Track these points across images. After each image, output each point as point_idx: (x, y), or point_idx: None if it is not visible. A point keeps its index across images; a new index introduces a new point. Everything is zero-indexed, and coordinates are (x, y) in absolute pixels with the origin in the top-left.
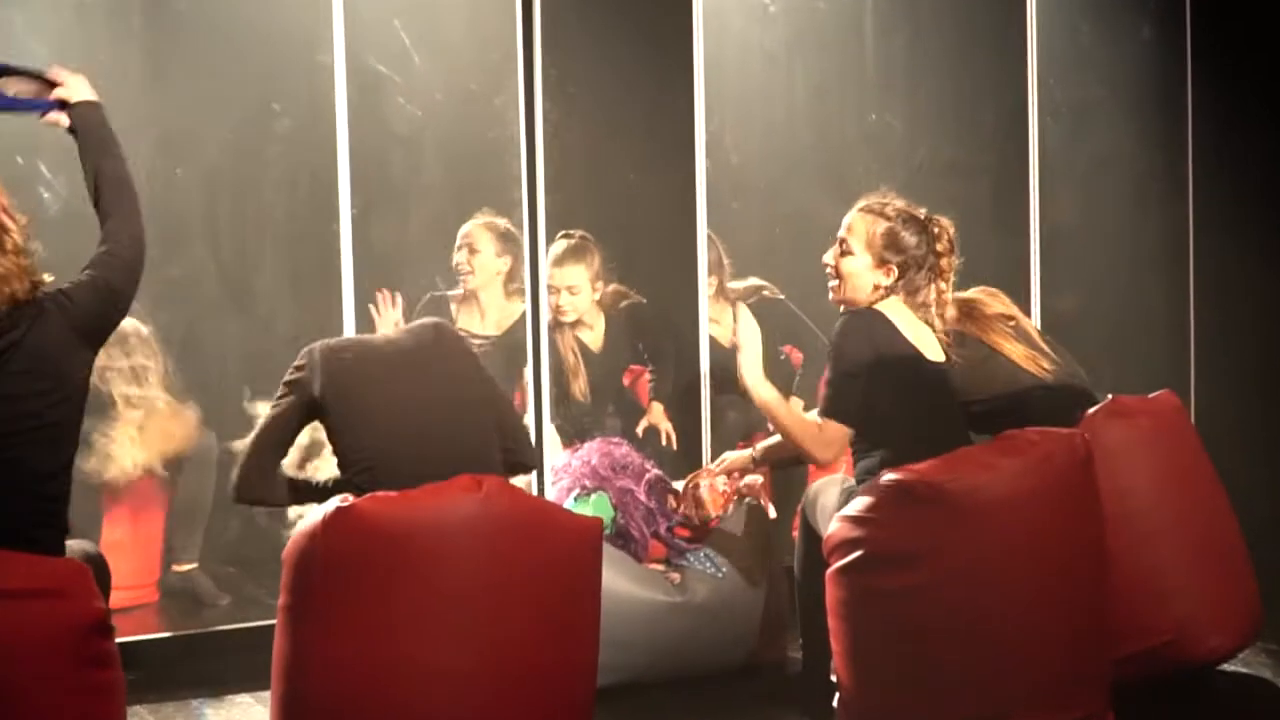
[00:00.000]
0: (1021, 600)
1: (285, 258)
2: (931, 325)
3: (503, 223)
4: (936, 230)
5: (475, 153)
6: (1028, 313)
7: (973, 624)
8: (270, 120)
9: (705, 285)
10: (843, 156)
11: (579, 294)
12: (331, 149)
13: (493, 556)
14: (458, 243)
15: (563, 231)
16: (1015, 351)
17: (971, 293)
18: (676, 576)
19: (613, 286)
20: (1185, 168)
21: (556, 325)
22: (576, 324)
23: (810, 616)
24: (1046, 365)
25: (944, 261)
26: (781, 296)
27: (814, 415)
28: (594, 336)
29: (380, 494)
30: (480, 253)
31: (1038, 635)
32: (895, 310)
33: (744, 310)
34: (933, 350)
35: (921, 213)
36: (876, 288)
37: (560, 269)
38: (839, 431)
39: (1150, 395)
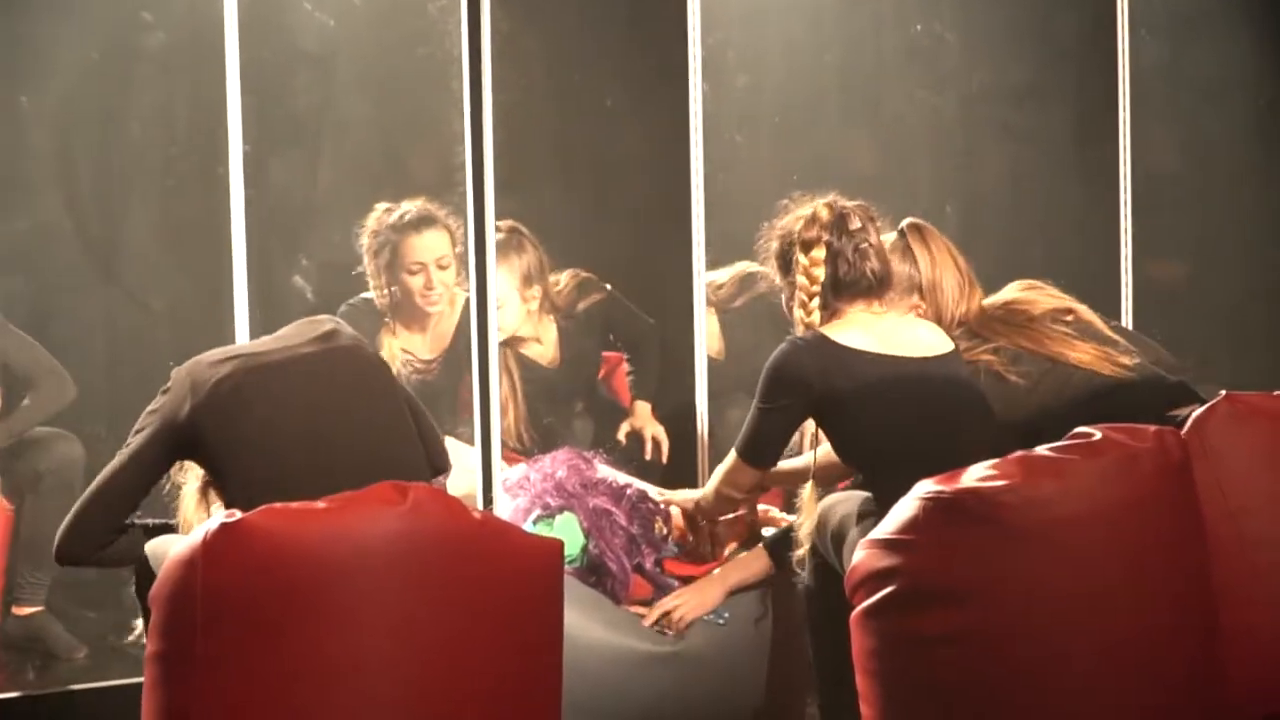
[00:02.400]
0: (1101, 647)
1: (159, 210)
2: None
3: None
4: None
5: (404, 75)
6: (1116, 284)
7: (1038, 678)
8: (139, 34)
9: (701, 249)
10: (880, 79)
11: (502, 307)
12: (219, 70)
13: (423, 582)
14: (414, 256)
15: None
16: (1083, 354)
17: (1008, 291)
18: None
19: (570, 273)
20: None
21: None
22: (510, 341)
23: (829, 670)
24: (1125, 361)
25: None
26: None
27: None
28: (544, 350)
29: (275, 506)
30: (448, 270)
31: (1123, 693)
32: (846, 324)
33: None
34: (914, 342)
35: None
36: (802, 313)
37: None
38: (741, 471)
39: (1277, 392)
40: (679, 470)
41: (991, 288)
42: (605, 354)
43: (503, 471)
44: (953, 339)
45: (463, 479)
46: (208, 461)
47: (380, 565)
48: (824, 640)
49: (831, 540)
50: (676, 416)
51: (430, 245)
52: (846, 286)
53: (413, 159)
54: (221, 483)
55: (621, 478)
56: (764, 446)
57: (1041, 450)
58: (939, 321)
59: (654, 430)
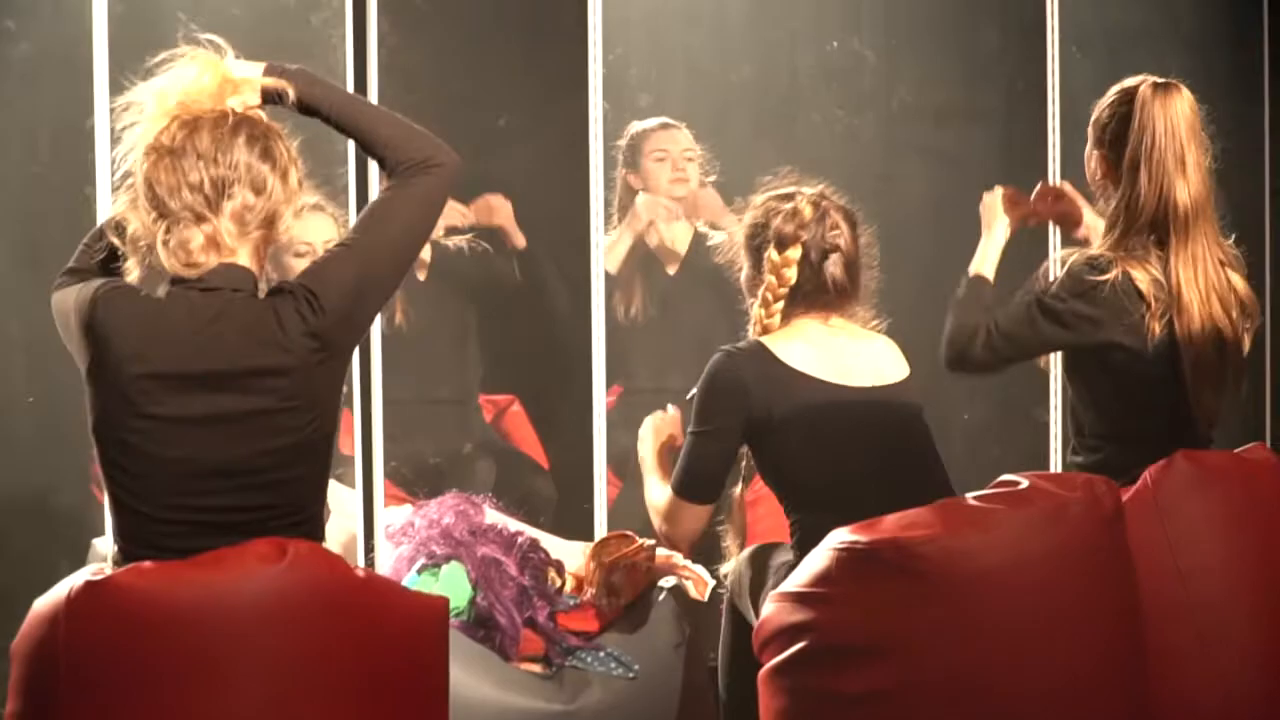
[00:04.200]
0: (1025, 704)
1: (21, 232)
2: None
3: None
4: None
5: None
6: None
7: None
8: (1, 44)
9: (601, 280)
10: (794, 99)
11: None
12: (87, 84)
13: (300, 647)
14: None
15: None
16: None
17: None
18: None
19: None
20: (1262, 131)
21: None
22: None
23: None
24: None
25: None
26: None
27: None
28: None
29: (145, 565)
30: None
31: None
32: (791, 336)
33: None
34: (867, 369)
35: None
36: (762, 312)
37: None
38: (683, 510)
39: (1238, 450)
40: (571, 510)
41: (913, 316)
42: (489, 397)
43: (386, 517)
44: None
45: (343, 525)
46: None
47: (254, 626)
48: (735, 699)
49: (749, 593)
50: (574, 462)
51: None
52: (804, 295)
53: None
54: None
55: (512, 524)
56: (703, 477)
57: (966, 498)
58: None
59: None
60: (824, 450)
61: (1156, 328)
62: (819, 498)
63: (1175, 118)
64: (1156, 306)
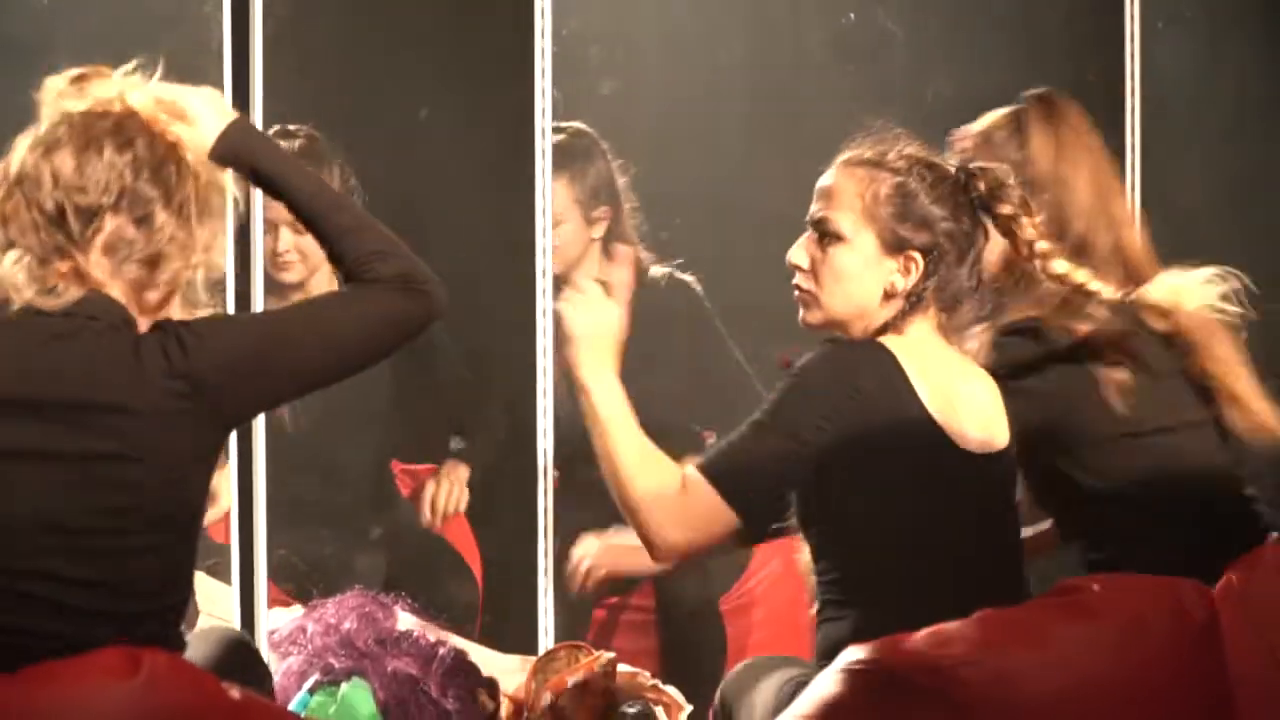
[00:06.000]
0: None
1: None
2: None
3: None
4: (981, 187)
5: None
6: None
7: None
8: None
9: (547, 287)
10: (800, 87)
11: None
12: None
13: None
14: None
15: (277, 126)
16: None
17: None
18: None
19: None
20: None
21: (271, 289)
22: (302, 287)
23: None
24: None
25: (1018, 235)
26: None
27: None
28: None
29: None
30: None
31: None
32: (918, 349)
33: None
34: (980, 426)
35: (951, 164)
36: (890, 294)
37: None
38: (709, 505)
39: None
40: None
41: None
42: (407, 466)
43: (271, 620)
44: (1094, 287)
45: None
46: None
47: None
48: None
49: (742, 716)
50: (514, 554)
51: None
52: (949, 295)
53: None
54: None
55: (432, 632)
56: (752, 481)
57: (1018, 609)
58: (1060, 238)
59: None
60: (928, 521)
61: None
62: (877, 584)
63: None
64: None
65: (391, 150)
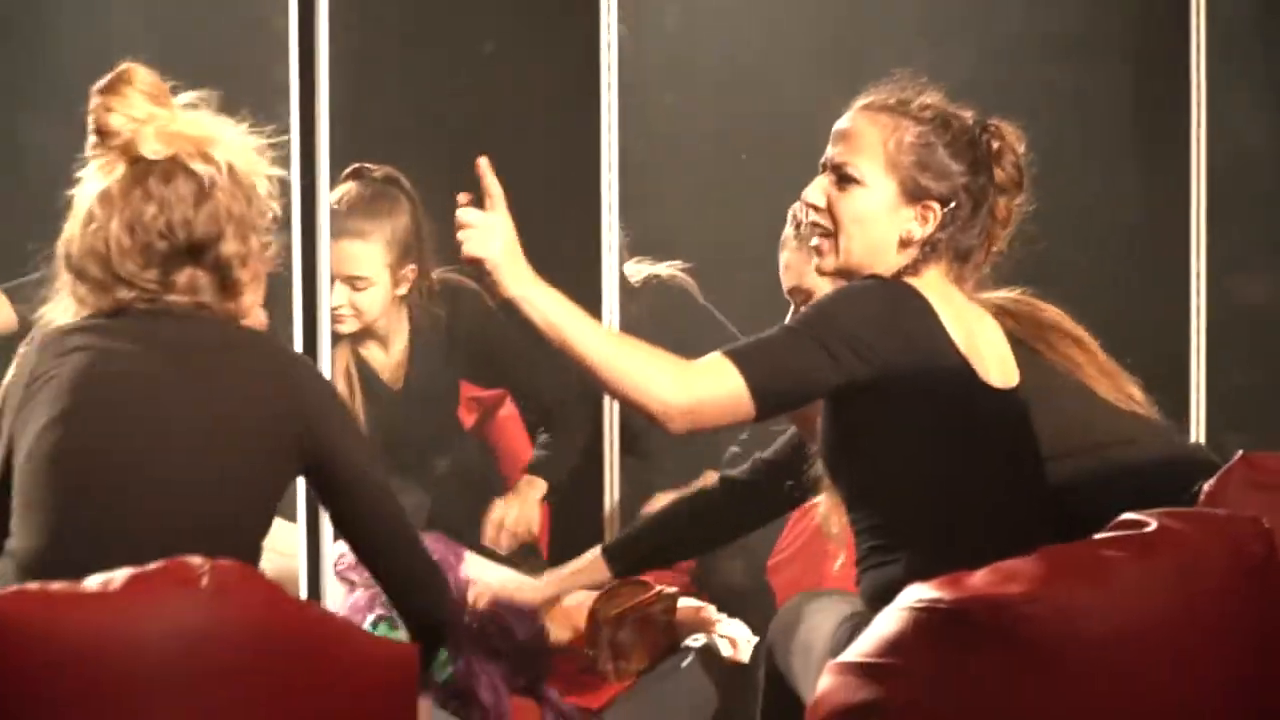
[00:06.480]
0: None
1: None
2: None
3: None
4: (994, 145)
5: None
6: (1186, 296)
7: None
8: None
9: (616, 244)
10: (866, 23)
11: (368, 287)
12: None
13: (225, 695)
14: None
15: (353, 166)
16: (1095, 378)
17: (1003, 293)
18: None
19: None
20: None
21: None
22: (361, 335)
23: None
24: (1139, 399)
25: (1001, 202)
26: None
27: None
28: (388, 360)
29: (28, 589)
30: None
31: None
32: (940, 291)
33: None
34: (999, 368)
35: (968, 115)
36: (906, 243)
37: (339, 242)
38: (725, 383)
39: None
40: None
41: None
42: (476, 392)
43: (334, 551)
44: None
45: (279, 564)
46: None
47: (169, 670)
48: None
49: (795, 654)
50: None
51: None
52: (962, 247)
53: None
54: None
55: (498, 573)
56: (777, 378)
57: (1077, 545)
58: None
59: (525, 519)
60: (964, 458)
61: None
62: (922, 526)
63: None
64: None
65: (458, 82)
